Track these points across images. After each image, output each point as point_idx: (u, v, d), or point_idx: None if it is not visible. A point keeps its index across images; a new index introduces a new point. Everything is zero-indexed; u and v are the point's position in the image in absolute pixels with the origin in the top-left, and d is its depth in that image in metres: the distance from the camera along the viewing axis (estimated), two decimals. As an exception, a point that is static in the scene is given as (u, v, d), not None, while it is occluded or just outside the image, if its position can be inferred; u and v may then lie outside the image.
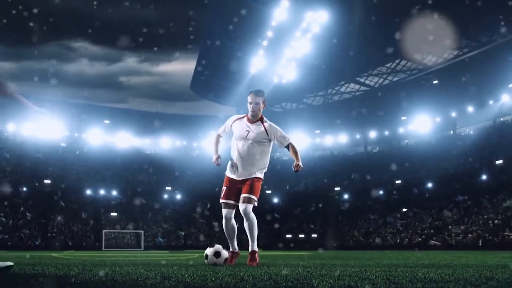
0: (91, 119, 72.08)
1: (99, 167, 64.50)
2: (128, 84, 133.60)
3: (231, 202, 9.26)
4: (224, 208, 9.29)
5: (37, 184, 58.68)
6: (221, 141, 9.54)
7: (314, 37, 63.55)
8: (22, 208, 53.87)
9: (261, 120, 9.20)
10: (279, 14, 60.64)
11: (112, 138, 74.49)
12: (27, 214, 53.28)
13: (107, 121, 75.06)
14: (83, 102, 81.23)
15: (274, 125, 9.22)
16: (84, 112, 72.35)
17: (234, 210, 9.28)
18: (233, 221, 9.30)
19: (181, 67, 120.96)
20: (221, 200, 9.33)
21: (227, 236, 9.44)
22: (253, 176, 9.22)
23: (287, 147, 9.19)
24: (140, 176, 66.63)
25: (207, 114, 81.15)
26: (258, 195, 9.28)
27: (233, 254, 9.41)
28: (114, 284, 4.61)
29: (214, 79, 73.02)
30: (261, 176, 9.36)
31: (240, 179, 9.23)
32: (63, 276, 5.53)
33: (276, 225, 59.48)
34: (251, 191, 9.13)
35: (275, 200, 65.91)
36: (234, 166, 9.23)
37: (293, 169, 8.97)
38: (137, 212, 60.30)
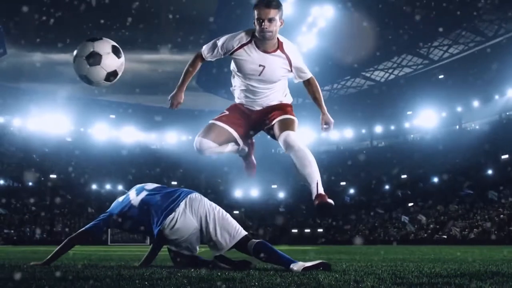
0: (96, 114, 72.17)
1: (105, 162, 64.64)
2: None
3: (232, 130, 6.33)
4: (200, 136, 6.29)
5: (43, 179, 58.82)
6: (196, 70, 6.40)
7: (320, 32, 63.51)
8: (27, 203, 53.99)
9: (281, 46, 6.12)
10: (285, 9, 60.54)
11: (118, 133, 74.63)
12: (33, 209, 53.41)
13: (112, 116, 75.17)
14: (88, 97, 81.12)
15: (296, 50, 6.29)
16: (89, 107, 72.41)
17: (214, 144, 6.26)
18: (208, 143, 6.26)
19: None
20: (212, 121, 6.39)
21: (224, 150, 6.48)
22: (277, 102, 6.44)
23: (306, 83, 6.50)
24: (146, 171, 66.72)
25: (213, 108, 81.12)
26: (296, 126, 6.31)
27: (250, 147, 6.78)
28: (120, 278, 4.61)
29: (220, 74, 73.04)
30: (289, 101, 6.60)
31: (258, 108, 6.42)
32: (69, 271, 5.54)
33: (282, 220, 59.47)
34: (282, 111, 6.35)
35: (281, 195, 65.96)
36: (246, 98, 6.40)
37: (322, 128, 6.35)
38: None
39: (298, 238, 55.75)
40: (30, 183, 57.31)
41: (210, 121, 6.35)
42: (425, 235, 50.24)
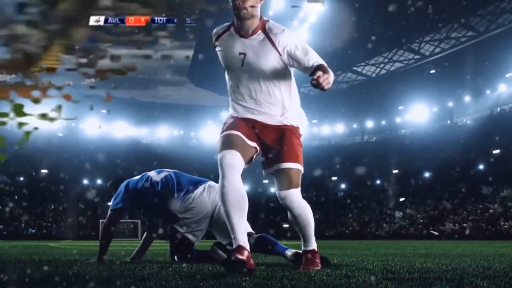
0: (87, 109, 71.93)
1: (96, 157, 64.43)
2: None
3: (242, 136, 4.99)
4: (225, 148, 4.92)
5: (34, 174, 58.64)
6: None
7: (311, 27, 63.39)
8: (18, 198, 53.84)
9: (262, 26, 5.00)
10: (276, 3, 60.49)
11: (109, 127, 74.43)
12: (24, 204, 53.27)
13: (104, 111, 74.98)
14: (79, 91, 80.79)
15: (282, 28, 5.05)
16: (80, 102, 72.13)
17: (243, 163, 4.94)
18: (240, 180, 4.89)
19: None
20: (222, 134, 5.06)
21: (229, 213, 4.83)
22: (284, 123, 5.13)
23: (316, 70, 4.71)
24: (137, 166, 66.56)
25: (204, 104, 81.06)
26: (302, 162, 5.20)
27: (243, 251, 4.77)
28: (112, 273, 4.60)
29: (212, 68, 72.87)
30: (297, 122, 5.22)
31: (262, 121, 5.12)
32: (60, 266, 5.52)
33: (272, 215, 59.45)
34: (291, 156, 5.10)
35: (272, 190, 65.94)
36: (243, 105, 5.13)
37: (312, 82, 4.53)
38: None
39: (288, 233, 55.75)
40: (21, 178, 57.15)
41: (221, 135, 5.07)
42: (416, 231, 50.33)
